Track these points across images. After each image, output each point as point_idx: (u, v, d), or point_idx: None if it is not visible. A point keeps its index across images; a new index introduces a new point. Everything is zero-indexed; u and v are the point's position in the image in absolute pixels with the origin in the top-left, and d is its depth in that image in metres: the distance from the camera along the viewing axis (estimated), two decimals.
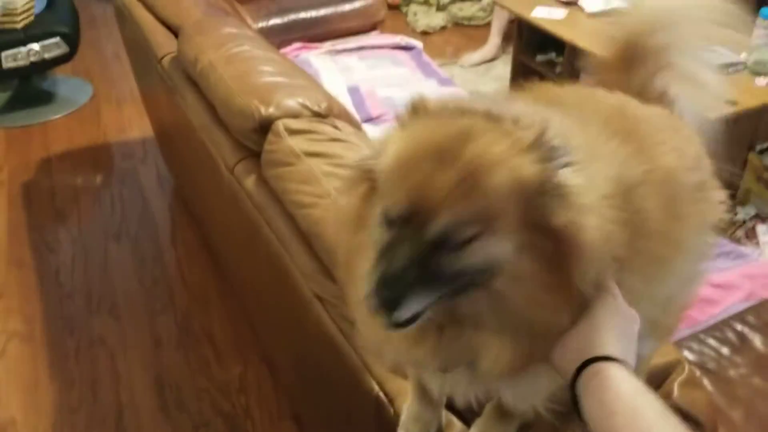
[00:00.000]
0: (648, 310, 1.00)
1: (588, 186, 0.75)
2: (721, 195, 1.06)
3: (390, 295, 0.70)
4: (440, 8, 4.88)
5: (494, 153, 0.72)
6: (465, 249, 0.72)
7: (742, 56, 2.72)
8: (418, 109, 0.79)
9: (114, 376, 2.23)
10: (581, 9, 3.30)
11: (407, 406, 1.03)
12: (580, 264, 0.75)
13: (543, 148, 0.74)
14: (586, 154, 0.78)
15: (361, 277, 0.78)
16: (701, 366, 1.37)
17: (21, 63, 3.39)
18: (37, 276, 2.63)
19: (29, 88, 3.84)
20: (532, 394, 0.90)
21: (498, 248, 0.73)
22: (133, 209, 3.00)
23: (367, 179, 0.80)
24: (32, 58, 3.40)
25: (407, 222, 0.72)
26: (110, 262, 2.70)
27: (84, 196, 3.12)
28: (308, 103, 1.54)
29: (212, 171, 1.73)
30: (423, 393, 1.00)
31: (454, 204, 0.70)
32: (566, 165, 0.74)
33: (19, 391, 2.18)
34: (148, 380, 2.21)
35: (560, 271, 0.75)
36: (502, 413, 0.97)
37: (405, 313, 0.71)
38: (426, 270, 0.71)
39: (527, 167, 0.72)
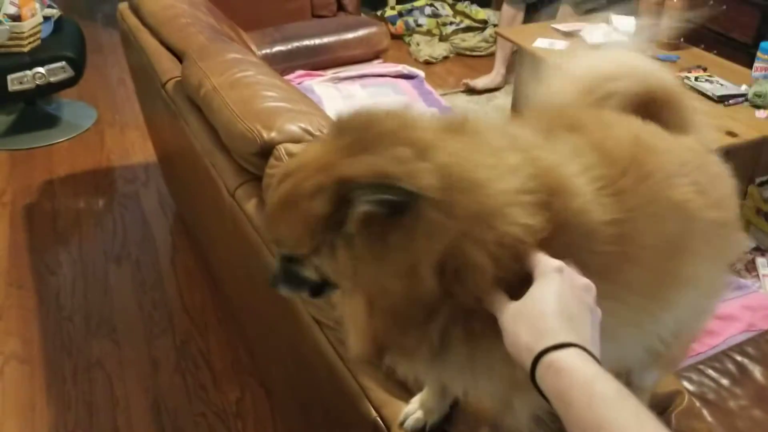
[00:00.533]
0: (649, 340, 1.00)
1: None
2: (742, 237, 1.06)
3: (273, 283, 0.94)
4: (443, 39, 4.93)
5: (294, 190, 0.85)
6: (303, 263, 0.88)
7: (743, 88, 2.75)
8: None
9: (111, 399, 2.22)
10: (583, 41, 3.33)
11: (419, 395, 1.08)
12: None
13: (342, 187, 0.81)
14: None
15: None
16: (701, 397, 1.36)
17: (26, 86, 3.42)
18: (36, 298, 2.63)
19: (34, 112, 3.87)
20: (485, 389, 0.94)
21: (321, 263, 0.86)
22: (135, 233, 3.01)
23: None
24: (38, 82, 3.43)
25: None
26: (110, 286, 2.70)
27: (86, 219, 3.13)
28: (310, 128, 1.55)
29: (213, 195, 1.73)
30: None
31: (276, 230, 0.90)
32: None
33: (15, 413, 2.17)
34: (145, 404, 2.20)
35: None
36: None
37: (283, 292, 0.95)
38: (285, 273, 0.92)
39: (317, 202, 0.82)
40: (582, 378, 0.73)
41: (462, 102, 4.18)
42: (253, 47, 2.98)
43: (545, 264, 0.81)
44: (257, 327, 1.82)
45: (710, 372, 1.39)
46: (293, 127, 1.55)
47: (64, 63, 3.47)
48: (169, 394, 2.23)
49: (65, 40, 3.62)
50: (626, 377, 1.13)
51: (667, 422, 1.16)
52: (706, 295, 1.05)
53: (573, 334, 0.77)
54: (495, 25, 4.97)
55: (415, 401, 1.07)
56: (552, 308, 0.78)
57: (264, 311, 1.65)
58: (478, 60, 4.80)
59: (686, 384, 1.38)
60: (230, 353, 2.37)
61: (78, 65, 3.55)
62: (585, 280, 0.82)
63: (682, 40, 3.24)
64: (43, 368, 2.33)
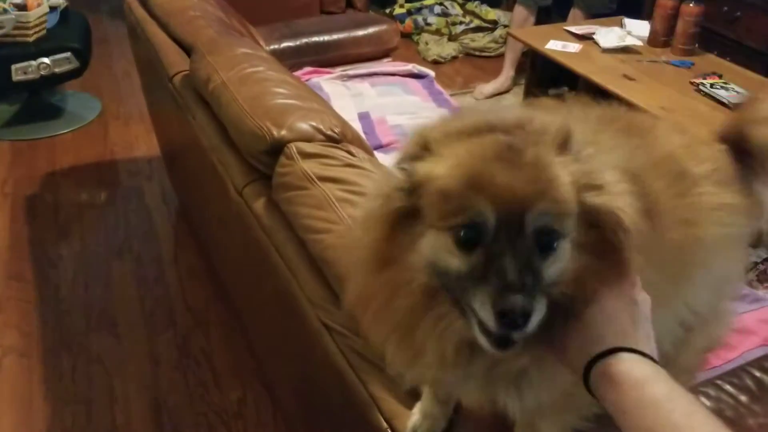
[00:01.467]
0: (672, 321, 1.03)
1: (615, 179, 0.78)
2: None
3: (523, 307, 0.68)
4: (452, 38, 4.89)
5: (547, 155, 0.74)
6: (555, 251, 0.72)
7: None
8: (428, 142, 0.78)
9: (110, 396, 2.19)
10: (596, 44, 3.29)
11: (419, 405, 1.02)
12: (628, 244, 0.76)
13: (573, 148, 0.77)
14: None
15: (393, 313, 0.78)
16: (719, 413, 1.32)
17: (31, 76, 3.38)
18: (36, 291, 2.59)
19: (38, 102, 3.84)
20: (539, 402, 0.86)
21: (569, 249, 0.74)
22: (137, 227, 2.97)
23: (394, 213, 0.78)
24: (42, 72, 3.39)
25: (500, 228, 0.71)
26: (111, 280, 2.67)
27: (88, 212, 3.09)
28: (322, 127, 1.51)
29: (220, 192, 1.69)
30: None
31: (541, 198, 0.71)
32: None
33: (13, 408, 2.13)
34: (145, 402, 2.16)
35: (609, 260, 0.76)
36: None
37: (531, 325, 0.70)
38: (537, 276, 0.71)
39: (572, 166, 0.74)
40: (633, 383, 0.71)
41: (471, 102, 4.15)
42: (262, 42, 2.94)
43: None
44: (262, 328, 1.79)
45: (728, 388, 1.35)
46: (304, 126, 1.51)
47: (69, 54, 3.43)
48: (169, 392, 2.20)
49: (71, 31, 3.58)
50: None
51: None
52: (721, 283, 1.07)
53: (624, 338, 0.75)
54: (505, 26, 4.92)
55: (417, 412, 1.03)
56: (619, 314, 0.77)
57: (270, 314, 1.62)
58: (487, 60, 4.76)
59: (704, 400, 1.34)
60: (232, 352, 2.33)
61: (83, 56, 3.52)
62: (645, 295, 0.81)
63: (696, 45, 3.19)
64: (42, 362, 2.29)
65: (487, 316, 0.69)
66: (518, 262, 0.69)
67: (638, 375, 0.71)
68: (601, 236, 0.75)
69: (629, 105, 2.79)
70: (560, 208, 0.72)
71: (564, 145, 0.75)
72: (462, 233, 0.71)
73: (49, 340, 2.38)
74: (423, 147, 0.77)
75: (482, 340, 0.72)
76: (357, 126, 2.74)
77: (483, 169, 0.72)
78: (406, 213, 0.77)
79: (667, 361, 1.04)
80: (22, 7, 3.32)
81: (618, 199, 0.75)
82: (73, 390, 2.21)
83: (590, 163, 0.76)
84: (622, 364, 0.72)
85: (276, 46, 3.15)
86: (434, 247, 0.74)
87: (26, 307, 2.51)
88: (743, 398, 1.34)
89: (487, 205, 0.71)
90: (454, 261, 0.72)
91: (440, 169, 0.74)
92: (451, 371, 0.80)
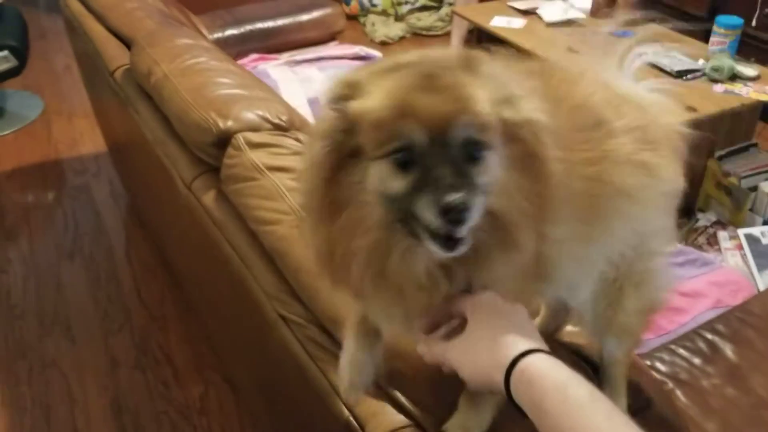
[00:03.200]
0: (597, 265, 1.08)
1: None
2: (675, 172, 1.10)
3: (462, 201, 0.75)
4: (398, 18, 4.87)
5: (462, 78, 0.82)
6: (482, 160, 0.79)
7: (700, 63, 2.75)
8: (355, 83, 0.84)
9: (69, 399, 2.15)
10: (540, 18, 3.31)
11: (344, 354, 1.02)
12: (546, 164, 0.85)
13: (485, 72, 0.85)
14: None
15: (358, 255, 0.83)
16: (674, 377, 1.35)
17: None
18: None
19: None
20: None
21: (496, 160, 0.81)
22: (87, 226, 2.91)
23: (335, 153, 0.83)
24: None
25: (431, 146, 0.78)
26: (63, 282, 2.61)
27: (35, 213, 3.02)
28: (268, 116, 1.49)
29: (168, 186, 1.66)
30: (364, 338, 1.01)
31: (462, 113, 0.79)
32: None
33: None
34: (105, 403, 2.13)
35: (533, 175, 0.84)
36: (476, 403, 0.98)
37: (472, 218, 0.77)
38: (470, 180, 0.78)
39: (487, 86, 0.83)
40: (554, 384, 0.76)
41: None
42: (204, 31, 2.89)
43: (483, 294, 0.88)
44: (219, 322, 1.77)
45: (681, 351, 1.38)
46: (250, 115, 1.49)
47: (6, 52, 3.33)
48: (129, 392, 2.16)
49: (7, 29, 3.47)
50: (599, 355, 1.18)
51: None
52: (644, 238, 1.11)
53: (529, 340, 0.82)
54: (450, 4, 4.92)
55: (346, 364, 1.00)
56: (501, 323, 0.85)
57: (226, 306, 1.60)
58: (434, 39, 4.76)
59: (658, 365, 1.37)
60: (191, 348, 2.30)
61: (21, 54, 3.41)
62: (515, 305, 0.88)
63: (638, 15, 3.23)
64: None
65: (431, 216, 0.76)
66: (451, 170, 0.77)
67: (560, 377, 0.77)
68: (523, 150, 0.83)
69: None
70: (480, 120, 0.79)
71: (473, 67, 0.84)
72: (398, 156, 0.79)
73: (2, 346, 2.33)
74: (351, 87, 0.83)
75: (432, 246, 0.78)
76: (307, 111, 2.71)
77: (407, 96, 0.79)
78: (347, 154, 0.82)
79: (606, 322, 1.11)
80: None
81: (532, 112, 0.84)
82: (31, 395, 2.16)
83: (505, 84, 0.85)
84: (544, 364, 0.78)
85: (219, 35, 3.09)
86: (377, 177, 0.80)
87: None
88: (697, 361, 1.37)
89: (415, 127, 0.78)
90: (396, 183, 0.79)
91: (370, 103, 0.81)
92: (434, 295, 0.86)
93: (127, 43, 2.11)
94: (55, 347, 2.33)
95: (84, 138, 3.52)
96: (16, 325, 2.42)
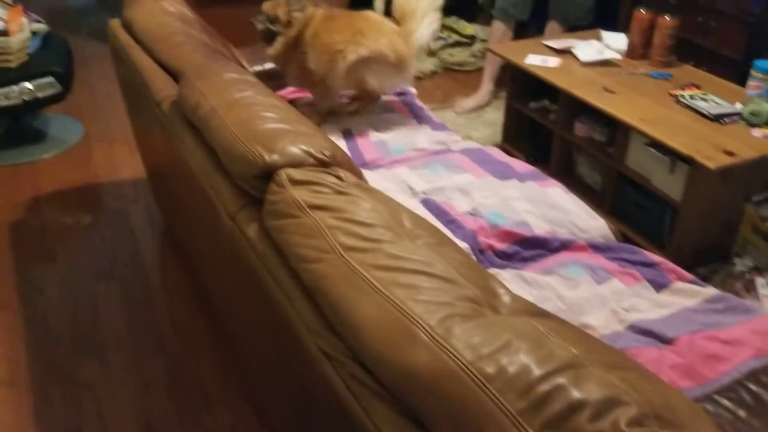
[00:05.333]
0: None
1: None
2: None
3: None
4: (431, 54, 4.92)
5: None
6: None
7: (737, 107, 2.75)
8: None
9: (101, 423, 2.17)
10: (575, 58, 3.33)
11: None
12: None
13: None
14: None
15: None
16: (720, 429, 1.33)
17: (13, 102, 3.36)
18: (23, 319, 2.57)
19: (20, 127, 3.81)
20: None
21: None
22: (123, 251, 2.96)
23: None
24: (25, 97, 3.38)
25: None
26: (99, 305, 2.65)
27: (73, 236, 3.07)
28: (312, 150, 1.52)
29: (211, 217, 1.69)
30: None
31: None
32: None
33: None
34: (136, 428, 2.15)
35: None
36: None
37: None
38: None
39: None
40: None
41: (451, 117, 4.17)
42: (246, 64, 2.95)
43: None
44: (256, 353, 1.78)
45: (726, 402, 1.36)
46: (295, 149, 1.52)
47: (51, 78, 3.42)
48: (160, 418, 2.18)
49: (53, 55, 3.57)
50: None
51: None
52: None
53: None
54: (483, 40, 4.97)
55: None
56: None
57: (264, 339, 1.61)
58: (466, 75, 4.81)
59: None
60: (223, 376, 2.32)
61: (66, 80, 3.50)
62: None
63: (674, 57, 3.24)
64: (31, 392, 2.27)
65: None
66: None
67: None
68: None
69: (610, 118, 2.83)
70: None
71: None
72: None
73: (37, 368, 2.36)
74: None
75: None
76: (342, 144, 2.75)
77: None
78: None
79: None
80: (3, 33, 3.30)
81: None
82: (63, 418, 2.19)
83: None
84: None
85: (260, 68, 3.15)
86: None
87: (13, 336, 2.49)
88: (741, 413, 1.35)
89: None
90: None
91: None
92: None
93: (174, 75, 2.16)
94: (89, 370, 2.36)
95: (123, 164, 3.59)
96: (51, 347, 2.45)
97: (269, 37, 2.82)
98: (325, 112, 2.97)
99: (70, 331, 2.53)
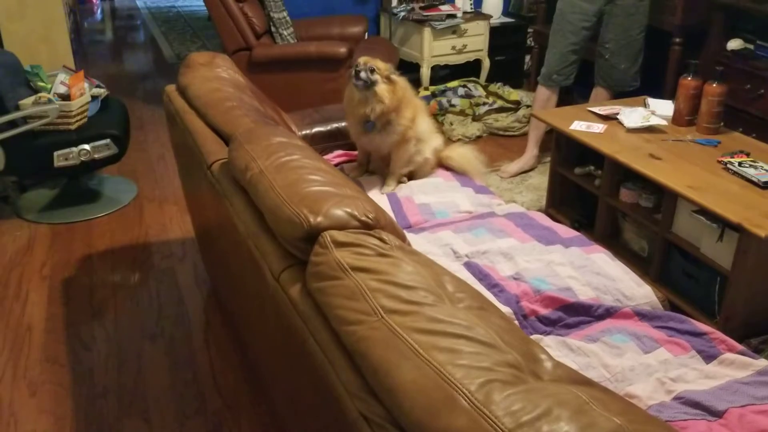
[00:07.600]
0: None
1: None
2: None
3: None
4: (476, 119, 4.98)
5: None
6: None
7: None
8: None
9: None
10: (620, 124, 3.34)
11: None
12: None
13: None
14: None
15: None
16: None
17: (71, 162, 3.50)
18: (71, 374, 2.62)
19: (76, 186, 3.95)
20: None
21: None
22: (169, 309, 3.01)
23: None
24: (82, 158, 3.51)
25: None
26: (144, 363, 2.69)
27: (122, 294, 3.14)
28: (356, 213, 1.55)
29: (256, 277, 1.72)
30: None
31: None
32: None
33: None
34: None
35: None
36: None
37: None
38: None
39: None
40: None
41: (495, 181, 4.19)
42: (294, 128, 3.03)
43: None
44: (296, 416, 1.78)
45: None
46: (339, 212, 1.55)
47: (108, 140, 3.56)
48: None
49: (111, 118, 3.72)
50: None
51: None
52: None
53: None
54: (528, 106, 5.02)
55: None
56: None
57: (304, 399, 1.62)
58: (511, 140, 4.84)
59: None
60: None
61: (122, 143, 3.64)
62: None
63: (722, 124, 3.22)
64: None
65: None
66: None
67: None
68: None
69: (657, 184, 2.81)
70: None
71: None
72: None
73: (82, 424, 2.39)
74: None
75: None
76: (385, 206, 2.78)
77: None
78: None
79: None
80: (65, 97, 3.46)
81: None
82: None
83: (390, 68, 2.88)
84: None
85: (308, 132, 3.23)
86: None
87: (60, 392, 2.53)
88: None
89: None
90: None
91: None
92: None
93: (224, 139, 2.23)
94: (132, 428, 2.38)
95: (172, 223, 3.69)
96: (96, 403, 2.49)
97: (368, 85, 2.79)
98: (400, 177, 3.08)
99: (116, 388, 2.56)
